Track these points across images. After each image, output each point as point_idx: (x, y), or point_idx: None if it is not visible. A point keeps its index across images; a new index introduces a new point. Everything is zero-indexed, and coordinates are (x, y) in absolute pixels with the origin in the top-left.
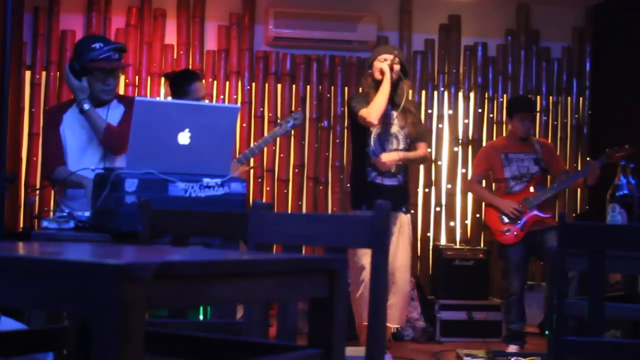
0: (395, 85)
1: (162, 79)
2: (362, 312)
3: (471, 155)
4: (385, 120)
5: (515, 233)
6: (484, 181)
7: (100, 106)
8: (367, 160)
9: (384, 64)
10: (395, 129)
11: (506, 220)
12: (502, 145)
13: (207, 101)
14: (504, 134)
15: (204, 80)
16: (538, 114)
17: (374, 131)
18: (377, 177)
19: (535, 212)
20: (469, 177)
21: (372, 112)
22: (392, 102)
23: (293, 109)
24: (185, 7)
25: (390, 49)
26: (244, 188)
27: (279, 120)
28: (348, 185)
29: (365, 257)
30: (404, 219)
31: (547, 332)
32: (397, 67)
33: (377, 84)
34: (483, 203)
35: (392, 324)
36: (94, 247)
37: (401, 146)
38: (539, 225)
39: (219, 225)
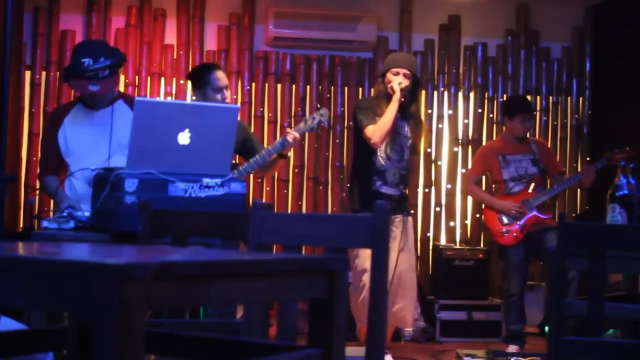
0: (412, 96)
1: (188, 81)
2: (364, 316)
3: (471, 155)
4: (396, 129)
5: (514, 234)
6: (483, 180)
7: (103, 107)
8: (373, 169)
9: (395, 82)
10: (402, 138)
11: (505, 221)
12: (499, 146)
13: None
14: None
15: (222, 72)
16: (538, 114)
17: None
18: (382, 187)
19: (535, 213)
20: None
21: (377, 134)
22: (406, 113)
23: (293, 109)
24: (185, 7)
25: (403, 61)
26: (244, 188)
27: (305, 117)
28: (346, 188)
29: (367, 260)
30: (407, 222)
31: (547, 329)
32: (407, 82)
33: (389, 94)
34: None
35: (406, 327)
36: (94, 247)
37: (405, 156)
38: (539, 225)
39: (219, 225)
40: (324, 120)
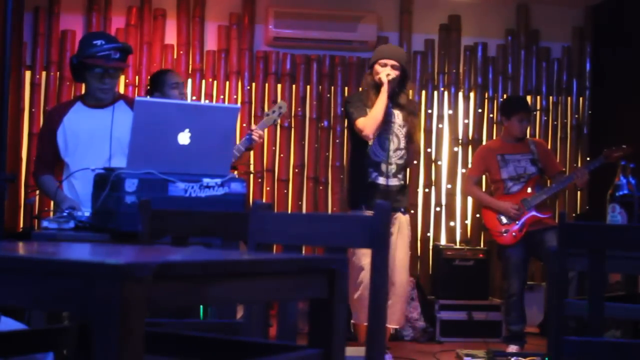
0: (400, 86)
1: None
2: (361, 313)
3: (471, 155)
4: (387, 119)
5: (513, 234)
6: (483, 180)
7: (101, 107)
8: (368, 160)
9: (383, 73)
10: (395, 127)
11: (504, 221)
12: (498, 146)
13: (206, 101)
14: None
15: (175, 72)
16: (538, 114)
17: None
18: (378, 178)
19: (534, 213)
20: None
21: (368, 125)
22: (395, 102)
23: (293, 109)
24: (185, 7)
25: (391, 53)
26: (244, 188)
27: (266, 111)
28: (345, 183)
29: (365, 257)
30: (402, 220)
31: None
32: (395, 73)
33: (377, 85)
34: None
35: (391, 325)
36: (94, 247)
37: (401, 145)
38: (538, 225)
39: (219, 225)
40: (283, 112)
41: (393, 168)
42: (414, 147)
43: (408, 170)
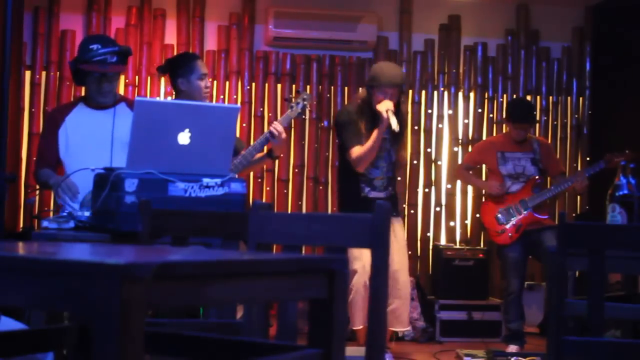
0: (396, 103)
1: (161, 75)
2: (353, 318)
3: None
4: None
5: (510, 234)
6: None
7: (103, 108)
8: (360, 177)
9: (382, 107)
10: (387, 144)
11: (501, 220)
12: (500, 143)
13: (207, 90)
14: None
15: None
16: (538, 114)
17: None
18: (370, 192)
19: (531, 212)
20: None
21: (362, 164)
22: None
23: None
24: (185, 7)
25: (392, 80)
26: (244, 188)
27: (291, 103)
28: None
29: (356, 261)
30: (396, 223)
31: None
32: (392, 105)
33: (371, 106)
34: (482, 203)
35: (400, 328)
36: (94, 247)
37: (392, 159)
38: (536, 225)
39: (219, 225)
40: (308, 104)
41: (385, 181)
42: (402, 155)
43: (397, 177)
